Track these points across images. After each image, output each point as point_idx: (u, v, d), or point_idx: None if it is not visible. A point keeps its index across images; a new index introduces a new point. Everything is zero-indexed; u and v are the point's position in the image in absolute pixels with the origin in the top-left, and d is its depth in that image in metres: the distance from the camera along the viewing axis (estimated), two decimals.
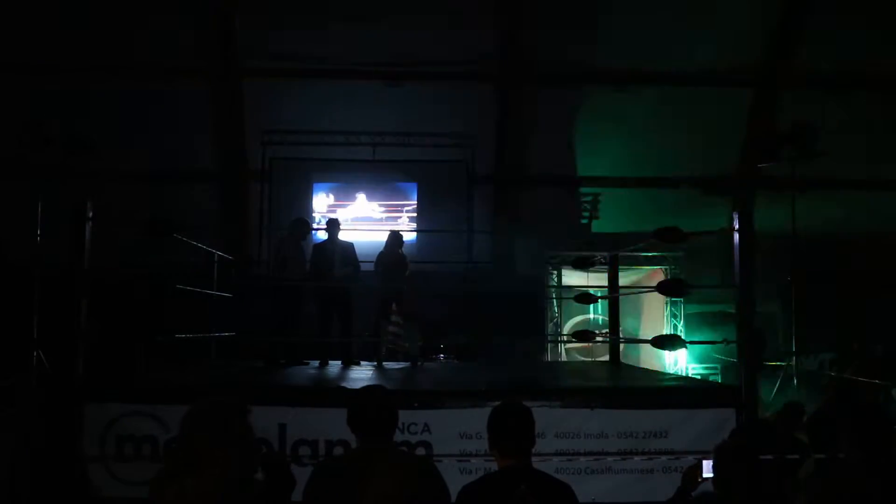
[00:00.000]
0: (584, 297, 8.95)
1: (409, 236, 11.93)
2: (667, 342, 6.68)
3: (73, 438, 4.74)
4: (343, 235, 8.23)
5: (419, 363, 7.78)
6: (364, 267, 8.34)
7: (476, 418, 4.64)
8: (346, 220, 11.62)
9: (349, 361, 7.63)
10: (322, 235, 8.58)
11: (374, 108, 12.05)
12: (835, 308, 11.04)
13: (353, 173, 12.44)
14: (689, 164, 12.40)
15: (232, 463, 2.22)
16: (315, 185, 12.49)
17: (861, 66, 11.73)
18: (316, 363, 7.61)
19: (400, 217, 12.44)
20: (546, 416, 4.76)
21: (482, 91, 12.28)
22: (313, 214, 12.02)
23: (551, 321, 12.21)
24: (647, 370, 8.69)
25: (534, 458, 2.79)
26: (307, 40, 11.49)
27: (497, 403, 2.90)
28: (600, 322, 11.75)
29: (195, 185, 12.24)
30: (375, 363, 7.75)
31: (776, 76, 12.02)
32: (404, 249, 8.16)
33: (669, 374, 9.62)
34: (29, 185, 7.77)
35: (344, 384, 5.69)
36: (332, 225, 8.01)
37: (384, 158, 12.33)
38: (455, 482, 2.79)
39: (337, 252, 7.83)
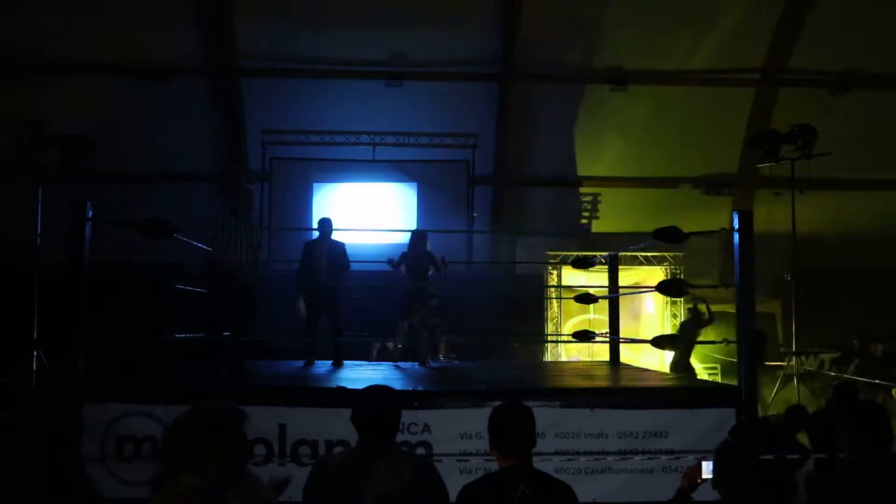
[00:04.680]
0: (584, 298, 8.95)
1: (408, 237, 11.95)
2: (667, 342, 6.68)
3: (73, 438, 4.74)
4: (342, 236, 8.14)
5: (427, 363, 7.60)
6: (362, 267, 8.30)
7: (476, 418, 4.64)
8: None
9: (338, 362, 7.58)
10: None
11: (374, 108, 12.06)
12: (835, 308, 11.05)
13: (353, 173, 12.44)
14: (689, 164, 12.41)
15: (226, 463, 2.24)
16: (315, 185, 12.48)
17: (861, 66, 11.73)
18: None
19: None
20: (546, 416, 4.76)
21: (482, 91, 12.29)
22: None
23: (551, 321, 12.22)
24: (646, 370, 8.68)
25: (534, 458, 2.79)
26: (307, 40, 11.49)
27: (497, 403, 2.90)
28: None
29: (195, 185, 12.24)
30: (393, 363, 7.66)
31: (776, 76, 12.03)
32: (402, 249, 8.05)
33: (669, 374, 9.62)
34: (29, 185, 7.77)
35: (344, 384, 5.68)
36: (324, 224, 7.84)
37: (384, 158, 12.34)
38: (455, 482, 2.79)
39: (325, 252, 7.75)
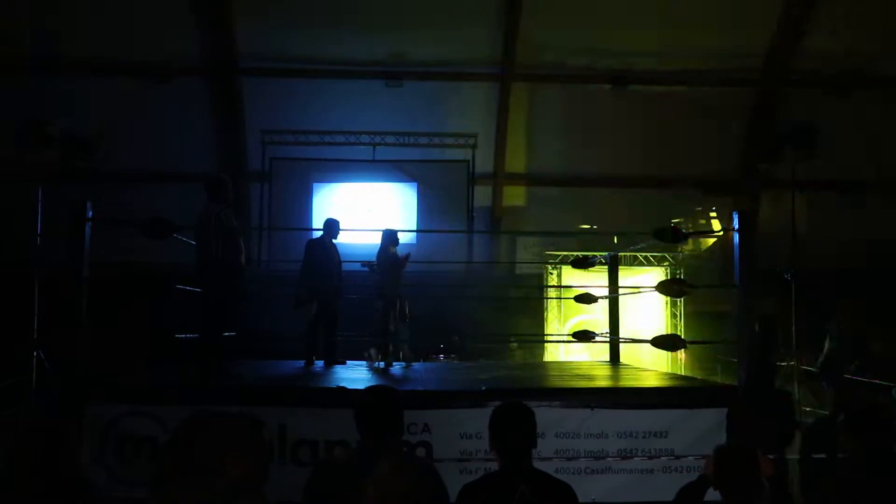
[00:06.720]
0: (584, 298, 8.95)
1: (409, 237, 11.97)
2: (667, 342, 6.67)
3: (73, 439, 4.73)
4: (344, 236, 8.13)
5: (410, 364, 7.60)
6: (359, 267, 8.31)
7: (476, 418, 4.64)
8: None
9: (333, 362, 7.57)
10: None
11: (374, 108, 12.07)
12: (835, 308, 11.04)
13: (353, 173, 12.44)
14: (689, 164, 12.40)
15: (239, 469, 2.24)
16: (315, 185, 12.49)
17: (861, 65, 11.73)
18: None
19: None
20: (546, 416, 4.75)
21: (482, 91, 12.29)
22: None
23: (551, 321, 12.22)
24: (646, 370, 8.68)
25: (534, 458, 2.80)
26: (307, 40, 11.49)
27: (497, 403, 2.90)
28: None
29: (195, 185, 12.21)
30: (382, 364, 7.63)
31: (776, 76, 12.03)
32: (402, 248, 8.04)
33: (669, 373, 9.63)
34: (29, 185, 7.77)
35: (344, 384, 5.68)
36: (335, 226, 7.86)
37: (384, 158, 12.35)
38: (455, 482, 2.79)
39: (337, 253, 7.79)
